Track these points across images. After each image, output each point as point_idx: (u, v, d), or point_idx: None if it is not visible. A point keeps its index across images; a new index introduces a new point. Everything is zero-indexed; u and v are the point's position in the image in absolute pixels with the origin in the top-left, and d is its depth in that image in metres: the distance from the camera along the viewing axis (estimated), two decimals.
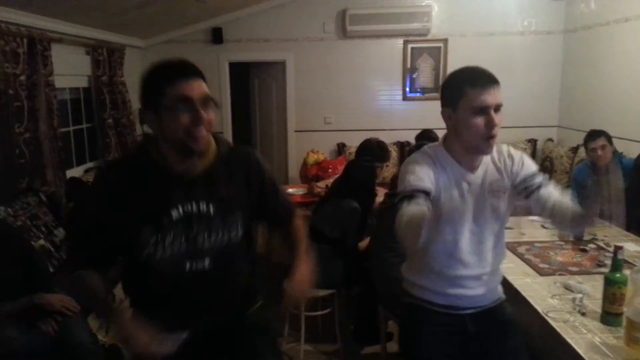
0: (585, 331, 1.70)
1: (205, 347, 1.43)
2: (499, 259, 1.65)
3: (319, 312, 3.02)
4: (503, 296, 1.72)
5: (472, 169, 1.54)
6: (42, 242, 2.94)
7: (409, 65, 5.54)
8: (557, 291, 2.03)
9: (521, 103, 5.48)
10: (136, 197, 1.29)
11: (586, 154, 3.55)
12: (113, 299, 1.40)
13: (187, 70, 1.26)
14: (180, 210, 1.31)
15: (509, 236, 2.70)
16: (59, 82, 3.62)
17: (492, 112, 1.43)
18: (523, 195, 1.57)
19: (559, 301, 1.93)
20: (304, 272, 1.46)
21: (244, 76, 6.18)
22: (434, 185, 1.48)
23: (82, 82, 4.33)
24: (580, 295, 1.92)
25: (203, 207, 1.34)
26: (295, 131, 5.64)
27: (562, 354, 1.68)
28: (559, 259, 2.38)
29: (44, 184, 3.30)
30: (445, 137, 1.59)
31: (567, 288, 2.04)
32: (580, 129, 4.67)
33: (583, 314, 1.81)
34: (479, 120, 1.43)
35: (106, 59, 4.35)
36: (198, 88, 1.25)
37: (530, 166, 1.59)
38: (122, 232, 1.30)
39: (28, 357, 2.00)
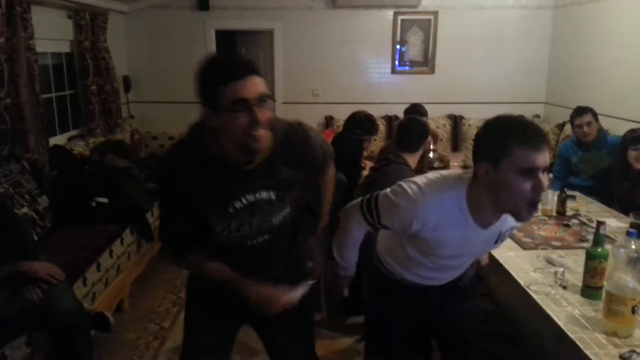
0: (565, 304, 1.74)
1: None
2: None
3: None
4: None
5: (488, 225, 1.42)
6: (25, 209, 2.90)
7: (398, 38, 5.48)
8: (540, 265, 2.06)
9: (509, 79, 5.49)
10: (200, 184, 1.32)
11: (572, 130, 3.58)
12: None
13: (241, 69, 1.21)
14: (244, 200, 1.36)
15: None
16: (40, 46, 3.51)
17: (541, 175, 1.24)
18: None
19: (541, 275, 1.97)
20: (321, 250, 1.59)
21: (230, 45, 6.06)
22: (420, 232, 1.43)
23: (64, 47, 4.21)
24: (561, 269, 1.96)
25: (265, 194, 1.38)
26: (283, 103, 5.58)
27: (543, 326, 1.72)
28: (542, 233, 2.42)
29: (26, 151, 3.24)
30: (471, 187, 1.37)
31: (549, 262, 2.08)
32: (567, 106, 4.70)
33: (564, 288, 1.85)
34: (526, 184, 1.24)
35: (89, 23, 4.22)
36: (254, 87, 1.21)
37: None
38: (194, 213, 1.37)
39: (12, 324, 1.99)
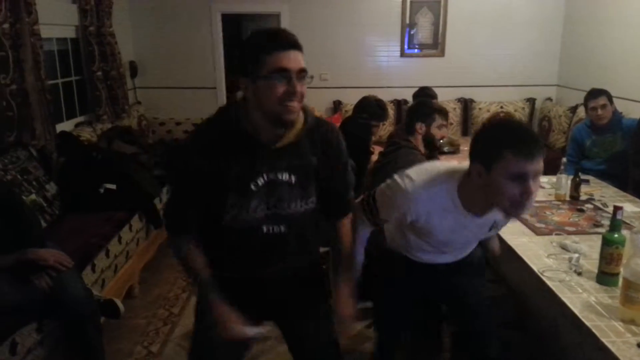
0: (580, 290, 1.71)
1: (263, 294, 1.50)
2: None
3: None
4: None
5: (483, 214, 1.47)
6: (33, 196, 2.89)
7: (407, 21, 5.37)
8: (554, 251, 2.03)
9: (521, 61, 5.38)
10: (225, 162, 1.32)
11: (586, 113, 3.50)
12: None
13: (287, 40, 1.26)
14: (265, 177, 1.35)
15: None
16: (45, 31, 3.48)
17: (531, 181, 1.28)
18: None
19: (555, 261, 1.94)
20: (348, 299, 1.52)
21: (237, 29, 6.00)
22: (415, 222, 1.53)
23: (70, 33, 4.17)
24: (576, 255, 1.92)
25: (286, 176, 1.37)
26: None
27: (558, 313, 1.69)
28: (556, 218, 2.38)
29: (33, 138, 3.22)
30: (464, 182, 1.43)
31: (564, 248, 2.04)
32: (579, 89, 4.60)
33: (579, 274, 1.82)
34: (515, 189, 1.28)
35: (94, 8, 4.17)
36: (295, 60, 1.25)
37: None
38: (211, 194, 1.35)
39: (21, 312, 1.99)
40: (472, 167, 1.38)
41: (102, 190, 3.27)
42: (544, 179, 3.01)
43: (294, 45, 1.26)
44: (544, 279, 1.80)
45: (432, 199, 1.45)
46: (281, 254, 1.46)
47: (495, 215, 1.47)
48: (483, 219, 1.48)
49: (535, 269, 1.88)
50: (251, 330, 1.41)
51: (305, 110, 1.38)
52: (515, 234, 2.19)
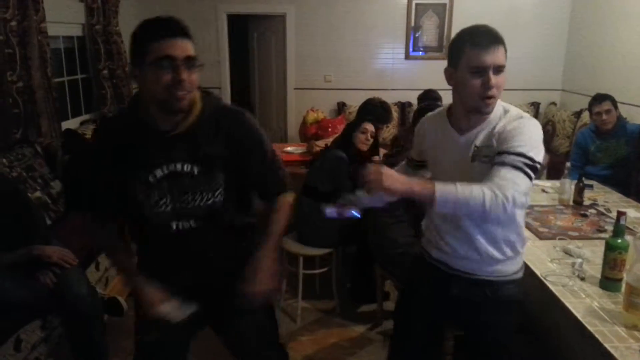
0: (584, 296, 1.71)
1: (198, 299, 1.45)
2: (491, 236, 1.49)
3: (317, 271, 3.04)
4: (511, 276, 1.55)
5: (464, 129, 1.49)
6: (38, 194, 2.90)
7: (412, 23, 5.38)
8: (557, 255, 2.03)
9: (525, 65, 5.38)
10: (125, 153, 1.33)
11: (590, 118, 3.50)
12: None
13: (173, 28, 1.25)
14: (165, 169, 1.34)
15: None
16: (52, 30, 3.49)
17: (491, 73, 1.36)
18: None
19: (558, 265, 1.94)
20: (265, 270, 1.43)
21: (242, 30, 6.01)
22: (420, 146, 1.67)
23: (76, 31, 4.19)
24: (579, 260, 1.92)
25: (187, 167, 1.35)
26: (295, 89, 5.53)
27: (561, 318, 1.69)
28: (559, 223, 2.38)
29: (39, 135, 3.24)
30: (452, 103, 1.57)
31: (567, 252, 2.04)
32: (584, 93, 4.60)
33: (582, 279, 1.82)
34: (476, 81, 1.38)
35: (100, 6, 4.19)
36: (182, 48, 1.24)
37: (515, 143, 1.36)
38: (114, 187, 1.36)
39: (26, 308, 2.00)
40: (445, 73, 1.49)
41: None
42: (547, 184, 3.02)
43: (181, 32, 1.25)
44: (547, 283, 1.81)
45: (431, 117, 1.65)
46: (199, 252, 1.43)
47: (475, 138, 1.45)
48: (465, 138, 1.47)
49: (538, 273, 1.89)
50: (179, 309, 1.38)
51: (205, 98, 1.37)
52: None
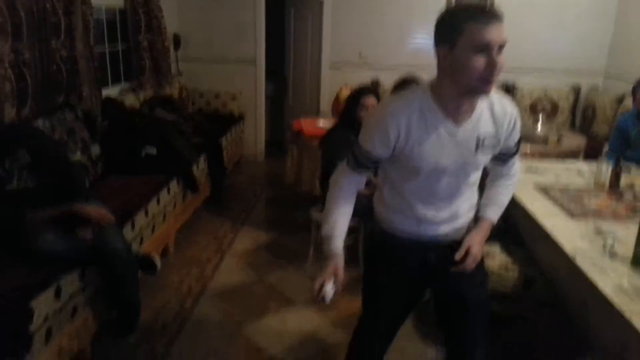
0: (613, 274, 1.69)
1: None
2: (471, 202, 1.61)
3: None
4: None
5: (460, 119, 1.40)
6: (78, 156, 3.02)
7: (453, 2, 5.26)
8: (588, 234, 1.99)
9: (569, 47, 5.21)
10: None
11: (633, 102, 3.38)
12: None
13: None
14: None
15: (542, 179, 2.67)
16: (95, 0, 3.59)
17: (495, 52, 1.27)
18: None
19: (589, 244, 1.91)
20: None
21: (279, 4, 6.00)
22: (397, 143, 1.42)
23: (119, 3, 4.29)
24: (611, 239, 1.89)
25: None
26: (330, 65, 5.52)
27: (589, 296, 1.67)
28: (593, 204, 2.33)
29: (80, 101, 3.35)
30: (432, 85, 1.41)
31: (599, 232, 2.01)
32: (628, 79, 4.43)
33: (613, 258, 1.79)
34: (480, 61, 1.26)
35: None
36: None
37: (518, 134, 1.53)
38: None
39: (66, 259, 2.10)
40: (436, 52, 1.35)
41: (143, 154, 3.38)
42: (584, 167, 2.95)
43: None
44: (576, 261, 1.78)
45: (409, 104, 1.41)
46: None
47: (477, 127, 1.42)
48: (464, 130, 1.41)
49: (567, 251, 1.86)
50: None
51: None
52: (549, 215, 2.16)
